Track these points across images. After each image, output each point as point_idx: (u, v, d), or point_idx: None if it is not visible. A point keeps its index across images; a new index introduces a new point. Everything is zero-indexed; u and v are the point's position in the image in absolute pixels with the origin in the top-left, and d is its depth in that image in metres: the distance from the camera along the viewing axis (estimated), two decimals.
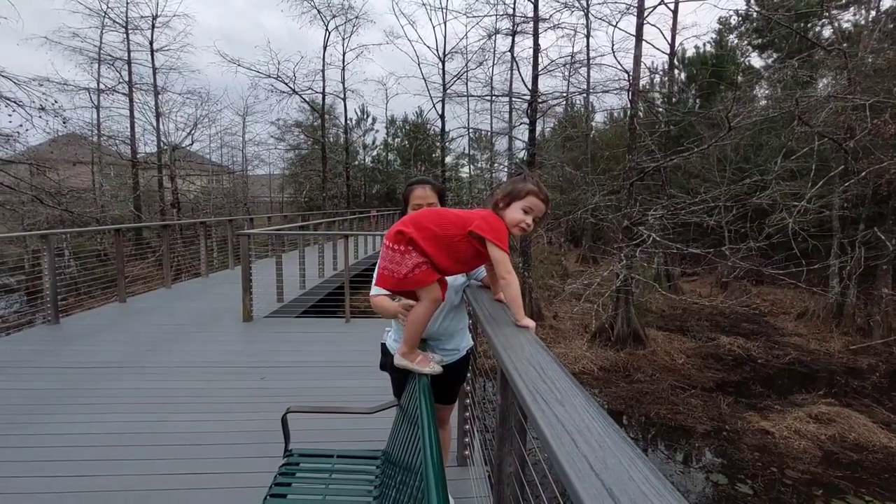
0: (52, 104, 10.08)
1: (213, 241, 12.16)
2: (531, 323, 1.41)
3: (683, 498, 0.61)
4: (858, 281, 10.10)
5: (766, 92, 16.32)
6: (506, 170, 16.45)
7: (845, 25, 13.80)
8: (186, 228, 13.79)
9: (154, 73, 16.08)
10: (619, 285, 8.00)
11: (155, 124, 16.05)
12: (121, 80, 15.71)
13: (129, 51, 15.52)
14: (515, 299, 1.47)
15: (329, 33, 19.57)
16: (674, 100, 15.52)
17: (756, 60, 17.73)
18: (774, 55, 16.73)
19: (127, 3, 15.14)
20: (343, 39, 20.26)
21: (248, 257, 5.66)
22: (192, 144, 17.33)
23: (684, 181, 13.97)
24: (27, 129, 10.14)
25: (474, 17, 19.90)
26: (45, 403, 3.37)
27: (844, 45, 10.02)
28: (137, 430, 3.01)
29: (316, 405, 2.24)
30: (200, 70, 33.87)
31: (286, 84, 18.97)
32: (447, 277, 1.67)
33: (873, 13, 12.72)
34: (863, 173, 8.30)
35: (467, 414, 2.54)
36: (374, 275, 1.77)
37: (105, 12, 14.96)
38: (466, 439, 2.59)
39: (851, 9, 13.87)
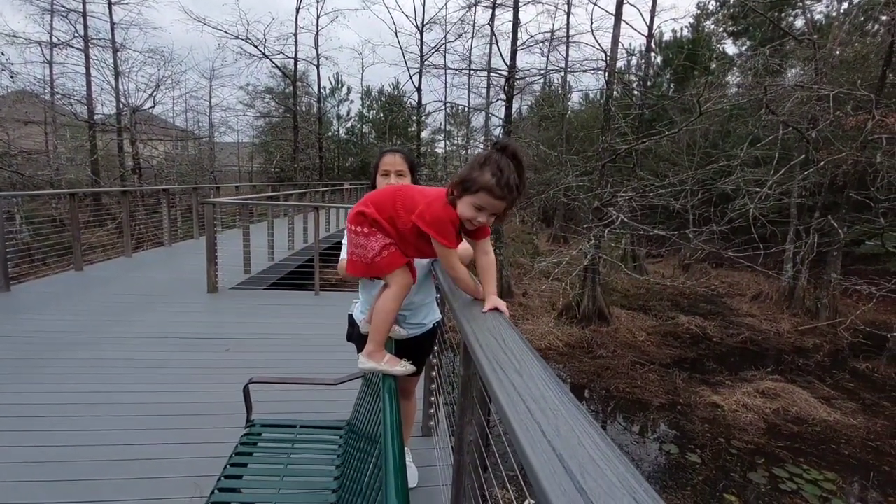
0: None
1: (178, 210, 11.72)
2: (499, 303, 1.29)
3: (630, 463, 0.63)
4: (810, 266, 10.64)
5: (738, 80, 16.69)
6: (482, 146, 16.37)
7: (817, 16, 14.13)
8: (149, 196, 13.21)
9: (112, 28, 15.03)
10: (587, 264, 8.19)
11: (113, 84, 15.10)
12: (76, 34, 14.64)
13: (84, 2, 14.43)
14: (469, 290, 1.35)
15: None
16: (649, 83, 15.66)
17: (730, 48, 18.02)
18: (748, 43, 17.02)
19: None
20: (317, 2, 19.41)
21: (214, 227, 5.48)
22: (154, 107, 16.42)
23: (654, 164, 14.25)
24: None
25: None
26: None
27: (815, 35, 10.28)
28: (94, 401, 2.93)
29: (282, 376, 2.23)
30: (164, 28, 31.85)
31: (255, 47, 18.10)
32: None
33: (845, 5, 13.05)
34: (821, 163, 8.66)
35: (433, 386, 2.58)
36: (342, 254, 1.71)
37: None
38: (432, 410, 2.63)
39: (824, 0, 14.19)
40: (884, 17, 11.77)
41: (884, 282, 7.52)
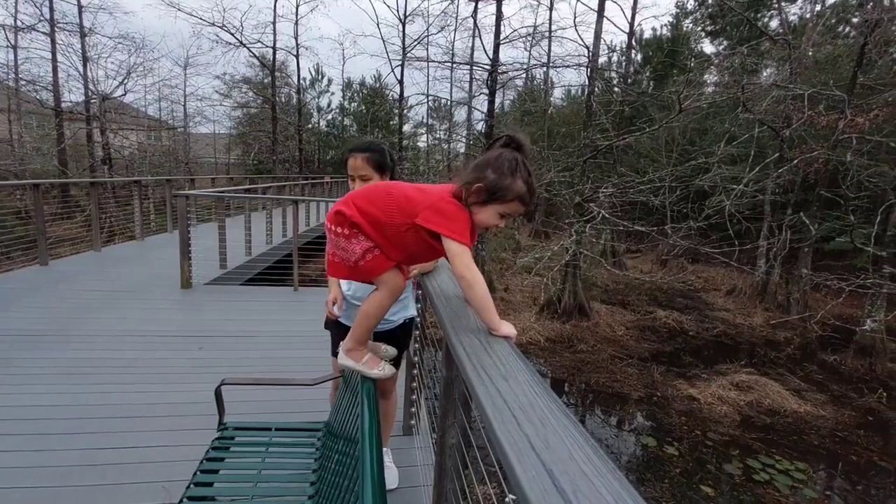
0: None
1: (151, 203, 11.33)
2: (511, 331, 1.10)
3: (625, 479, 0.59)
4: (782, 262, 10.94)
5: (715, 78, 16.99)
6: (464, 140, 16.29)
7: (792, 18, 14.46)
8: (121, 188, 12.75)
9: (80, 11, 14.42)
10: (568, 259, 8.24)
11: (82, 70, 14.51)
12: (41, 18, 13.99)
13: None
14: (482, 305, 1.12)
15: None
16: (630, 80, 15.81)
17: (708, 47, 18.33)
18: (725, 43, 17.34)
19: None
20: None
21: (187, 220, 5.30)
22: (124, 95, 15.86)
23: (635, 161, 14.43)
24: None
25: None
26: None
27: (790, 36, 10.51)
28: (59, 402, 2.79)
29: (257, 376, 2.15)
30: (135, 13, 30.70)
31: (232, 34, 17.63)
32: None
33: (818, 7, 13.37)
34: (795, 161, 8.88)
35: (414, 384, 2.53)
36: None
37: None
38: (413, 409, 2.58)
39: (798, 2, 14.53)
40: (855, 20, 12.12)
41: (852, 277, 7.77)
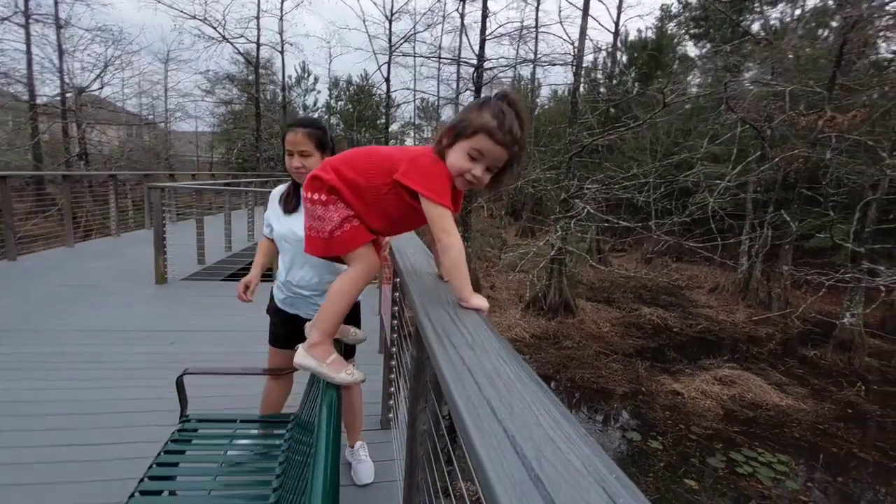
0: None
1: (129, 199, 11.02)
2: (482, 303, 1.03)
3: (598, 446, 0.52)
4: (764, 259, 11.08)
5: (698, 80, 17.19)
6: None
7: (773, 21, 14.67)
8: (100, 185, 12.40)
9: (56, 2, 14.00)
10: (554, 255, 8.21)
11: (57, 63, 14.09)
12: (16, 10, 13.54)
13: None
14: (456, 268, 1.04)
15: None
16: (615, 81, 15.91)
17: (691, 50, 18.52)
18: (708, 45, 17.55)
19: None
20: None
21: (162, 214, 5.13)
22: (101, 88, 15.43)
23: (619, 161, 14.50)
24: None
25: None
26: None
27: (771, 37, 10.66)
28: (18, 398, 2.64)
29: (222, 367, 2.05)
30: (112, 4, 29.98)
31: (214, 28, 17.28)
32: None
33: (798, 11, 13.58)
34: (776, 159, 8.99)
35: (392, 376, 2.44)
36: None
37: None
38: (391, 402, 2.50)
39: (780, 5, 14.74)
40: (834, 24, 12.34)
41: (832, 272, 7.88)
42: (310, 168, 1.76)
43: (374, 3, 32.10)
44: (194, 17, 16.76)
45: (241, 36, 18.18)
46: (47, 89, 14.82)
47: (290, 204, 1.89)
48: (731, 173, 8.00)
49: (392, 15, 17.57)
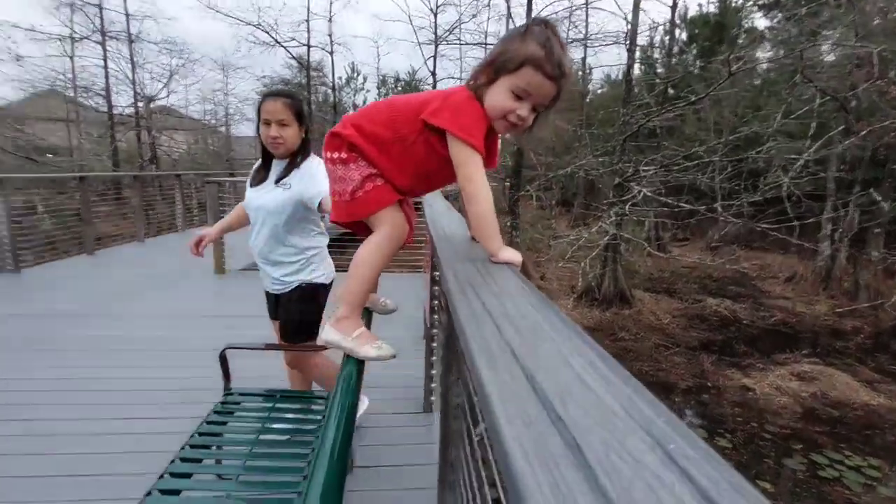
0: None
1: (195, 199, 11.74)
2: (515, 256, 0.92)
3: (646, 389, 0.40)
4: (849, 244, 10.02)
5: (769, 53, 15.78)
6: None
7: None
8: (168, 186, 13.33)
9: (127, 19, 15.16)
10: (608, 242, 7.82)
11: (130, 75, 15.25)
12: (95, 29, 14.81)
13: None
14: (483, 219, 0.94)
15: None
16: (673, 61, 14.94)
17: (760, 22, 16.99)
18: (779, 15, 16.06)
19: None
20: None
21: (219, 206, 5.37)
22: (168, 96, 16.58)
23: (679, 143, 13.62)
24: None
25: None
26: (4, 350, 3.21)
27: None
28: (92, 375, 2.85)
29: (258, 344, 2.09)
30: (177, 18, 32.14)
31: (268, 33, 18.01)
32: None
33: None
34: (863, 132, 8.05)
35: (433, 358, 2.37)
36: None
37: None
38: (433, 384, 2.43)
39: None
40: None
41: None
42: (287, 139, 1.75)
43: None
44: (249, 24, 17.54)
45: (293, 38, 18.84)
46: (122, 100, 16.06)
47: (258, 175, 1.91)
48: (809, 149, 7.24)
49: (437, 8, 17.54)
